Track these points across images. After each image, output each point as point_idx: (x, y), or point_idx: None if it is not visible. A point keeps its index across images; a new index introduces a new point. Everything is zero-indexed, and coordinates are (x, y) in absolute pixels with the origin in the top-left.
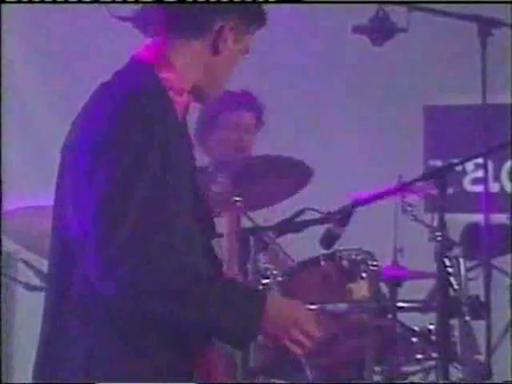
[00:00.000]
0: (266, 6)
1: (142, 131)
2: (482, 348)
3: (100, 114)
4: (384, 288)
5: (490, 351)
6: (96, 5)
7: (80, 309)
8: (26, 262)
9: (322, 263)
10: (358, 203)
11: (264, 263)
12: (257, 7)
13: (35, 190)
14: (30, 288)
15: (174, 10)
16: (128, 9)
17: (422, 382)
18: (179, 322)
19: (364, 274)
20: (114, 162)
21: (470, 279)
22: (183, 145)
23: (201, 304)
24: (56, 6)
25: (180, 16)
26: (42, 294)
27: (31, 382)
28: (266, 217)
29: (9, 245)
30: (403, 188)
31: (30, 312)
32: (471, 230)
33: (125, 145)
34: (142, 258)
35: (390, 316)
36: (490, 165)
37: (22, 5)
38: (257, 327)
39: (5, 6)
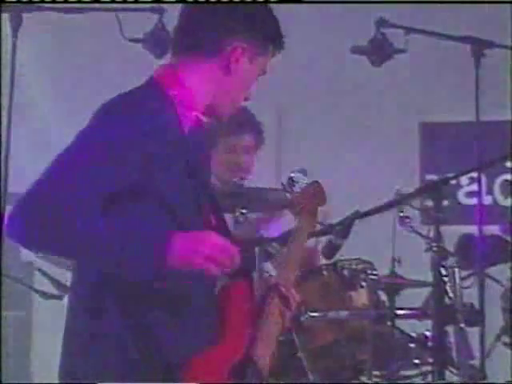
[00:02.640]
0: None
1: (135, 133)
2: (477, 353)
3: (101, 116)
4: (383, 296)
5: (484, 356)
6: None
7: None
8: (43, 272)
9: (324, 272)
10: (357, 216)
11: (269, 272)
12: (271, 28)
13: None
14: (46, 296)
15: (186, 30)
16: (139, 32)
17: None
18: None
19: (364, 283)
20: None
21: (465, 288)
22: (180, 156)
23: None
24: (58, 10)
25: (192, 37)
26: (57, 301)
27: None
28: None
29: (27, 255)
30: (401, 201)
31: (46, 319)
32: (466, 240)
33: (112, 139)
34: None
35: (388, 323)
36: (484, 179)
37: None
38: (163, 252)
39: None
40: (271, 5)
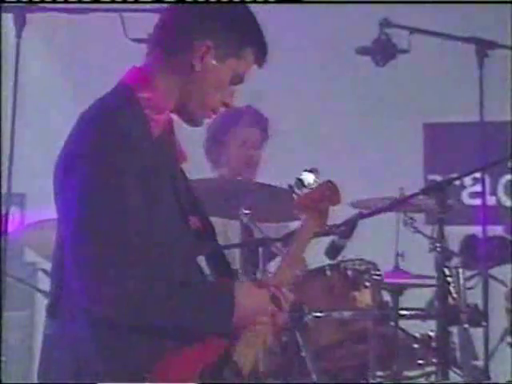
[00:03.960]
0: (268, 36)
1: (111, 147)
2: (480, 354)
3: (75, 134)
4: (386, 296)
5: (487, 357)
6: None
7: (68, 315)
8: (46, 272)
9: (328, 273)
10: (361, 216)
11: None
12: (247, 31)
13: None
14: None
15: (157, 30)
16: (143, 32)
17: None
18: (158, 326)
19: (367, 283)
20: (82, 177)
21: (469, 288)
22: (159, 157)
23: (177, 309)
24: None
25: (161, 36)
26: None
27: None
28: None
29: (31, 255)
30: (405, 201)
31: None
32: (469, 241)
33: (95, 160)
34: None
35: (392, 323)
36: (487, 179)
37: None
38: (231, 318)
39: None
40: (259, 11)
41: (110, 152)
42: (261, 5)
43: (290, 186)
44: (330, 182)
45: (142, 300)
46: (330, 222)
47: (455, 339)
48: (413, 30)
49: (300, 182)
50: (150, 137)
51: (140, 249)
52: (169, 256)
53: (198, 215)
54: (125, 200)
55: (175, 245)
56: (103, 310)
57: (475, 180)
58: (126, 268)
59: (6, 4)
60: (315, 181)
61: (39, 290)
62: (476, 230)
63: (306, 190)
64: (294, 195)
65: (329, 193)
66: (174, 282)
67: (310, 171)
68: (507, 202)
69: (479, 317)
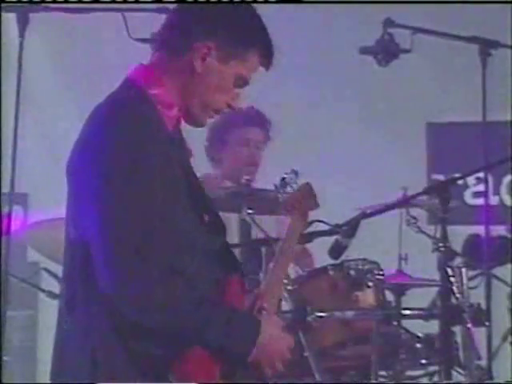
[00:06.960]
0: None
1: (131, 141)
2: (483, 353)
3: (91, 131)
4: (389, 296)
5: (490, 356)
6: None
7: (84, 312)
8: (49, 272)
9: (331, 272)
10: (364, 216)
11: None
12: (250, 32)
13: (59, 201)
14: (53, 296)
15: (162, 30)
16: (147, 32)
17: (426, 383)
18: (177, 337)
19: (370, 283)
20: (104, 175)
21: (472, 288)
22: (175, 152)
23: (202, 326)
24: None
25: (165, 36)
26: None
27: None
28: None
29: (33, 255)
30: (407, 201)
31: (52, 318)
32: (472, 241)
33: (115, 154)
34: (148, 276)
35: (395, 323)
36: (490, 179)
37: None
38: (251, 349)
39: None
40: (261, 11)
41: (133, 149)
42: (261, 5)
43: (275, 186)
44: (307, 184)
45: (168, 308)
46: (332, 222)
47: (458, 339)
48: (415, 30)
49: (284, 182)
50: (166, 132)
51: (164, 246)
52: (188, 252)
53: (209, 211)
54: (150, 197)
55: (194, 239)
56: (131, 312)
57: (478, 180)
58: (153, 272)
59: (6, 4)
60: (294, 183)
61: (42, 290)
62: (479, 229)
63: (288, 190)
64: (279, 195)
65: (305, 195)
66: (203, 298)
67: (291, 173)
68: (510, 202)
69: (482, 316)
